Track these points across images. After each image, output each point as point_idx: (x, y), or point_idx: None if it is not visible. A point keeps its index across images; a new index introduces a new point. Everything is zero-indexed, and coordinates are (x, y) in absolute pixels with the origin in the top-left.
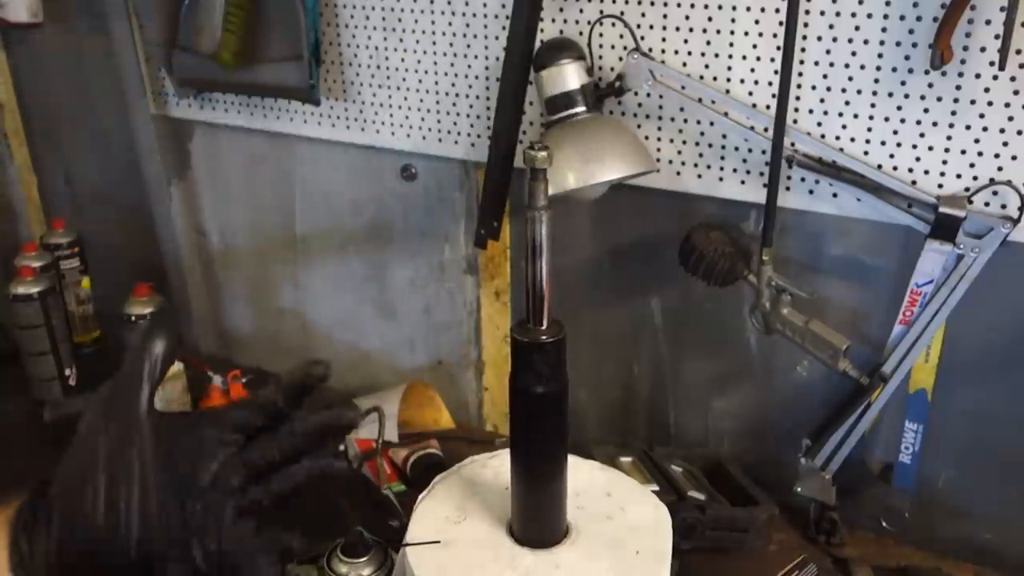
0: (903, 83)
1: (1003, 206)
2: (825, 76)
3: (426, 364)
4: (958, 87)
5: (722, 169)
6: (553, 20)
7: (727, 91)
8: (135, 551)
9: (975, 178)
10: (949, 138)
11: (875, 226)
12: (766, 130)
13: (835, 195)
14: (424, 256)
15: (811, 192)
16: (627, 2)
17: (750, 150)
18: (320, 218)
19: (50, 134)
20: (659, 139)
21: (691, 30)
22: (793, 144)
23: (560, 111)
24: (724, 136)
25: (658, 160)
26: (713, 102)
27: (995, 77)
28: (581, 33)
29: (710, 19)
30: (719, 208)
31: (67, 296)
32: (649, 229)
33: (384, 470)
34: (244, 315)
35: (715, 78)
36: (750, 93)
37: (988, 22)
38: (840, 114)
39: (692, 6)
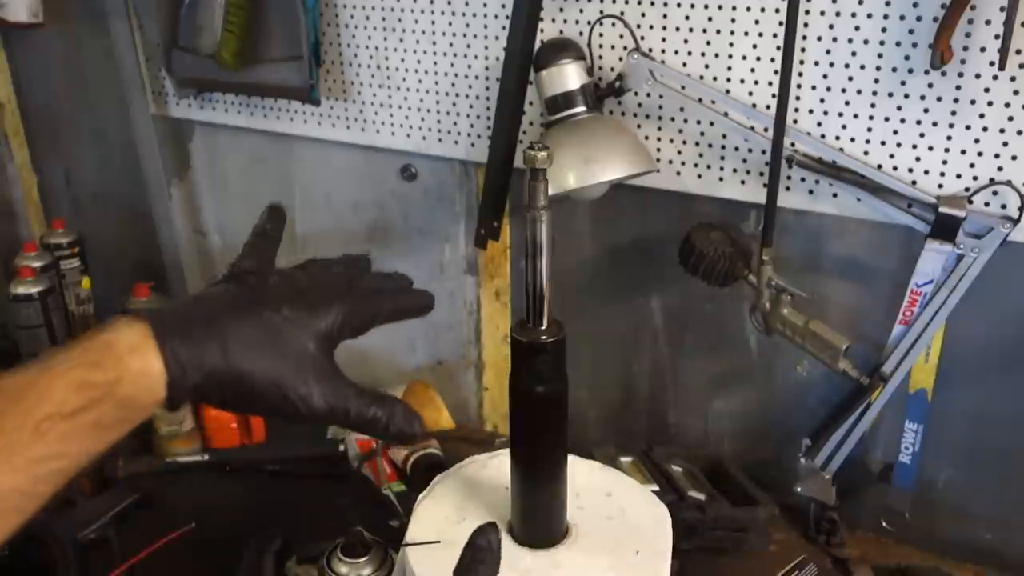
0: (903, 83)
1: (1003, 206)
2: (825, 76)
3: (426, 364)
4: (958, 87)
5: (722, 169)
6: (553, 20)
7: (727, 91)
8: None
9: (975, 178)
10: (949, 138)
11: (875, 226)
12: (766, 130)
13: (835, 195)
14: (424, 256)
15: (811, 192)
16: (627, 2)
17: (750, 150)
18: (320, 218)
19: (50, 134)
20: (659, 139)
21: (691, 30)
22: (793, 144)
23: (560, 111)
24: (724, 136)
25: (658, 160)
26: (713, 102)
27: (995, 77)
28: (581, 33)
29: (710, 19)
30: (719, 208)
31: (67, 296)
32: (649, 229)
33: (384, 470)
34: None
35: (715, 78)
36: (750, 93)
37: (988, 22)
38: (840, 114)
39: (692, 6)
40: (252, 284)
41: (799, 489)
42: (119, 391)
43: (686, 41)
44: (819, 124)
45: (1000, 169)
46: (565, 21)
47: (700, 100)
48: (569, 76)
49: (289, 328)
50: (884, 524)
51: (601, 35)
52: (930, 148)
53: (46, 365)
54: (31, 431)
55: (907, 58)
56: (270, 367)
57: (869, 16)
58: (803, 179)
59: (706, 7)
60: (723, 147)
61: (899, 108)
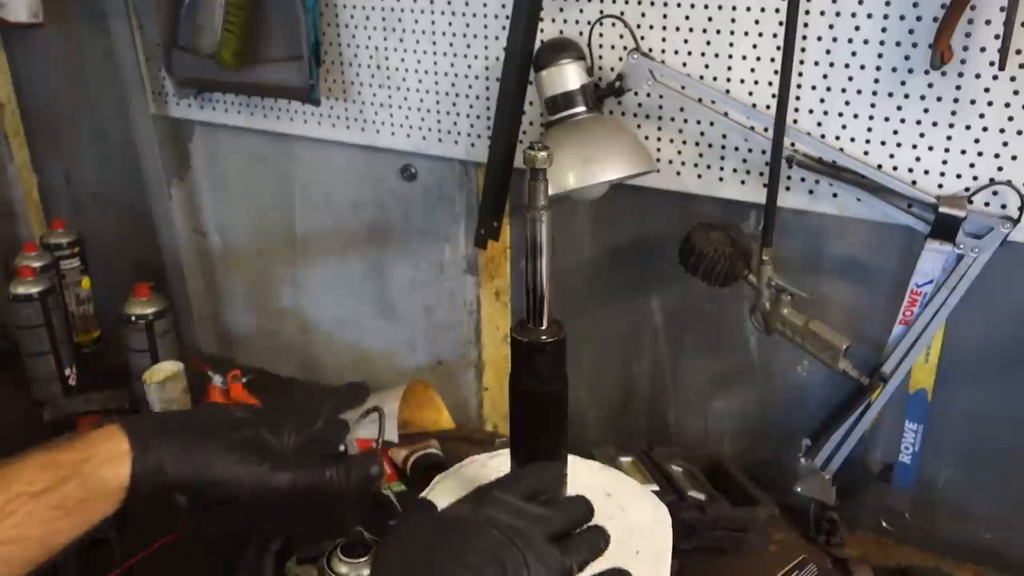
0: (903, 83)
1: (1003, 206)
2: (825, 76)
3: (426, 364)
4: (958, 87)
5: (722, 169)
6: (553, 20)
7: (727, 91)
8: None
9: (975, 178)
10: (949, 138)
11: (875, 226)
12: (766, 130)
13: (835, 195)
14: (424, 256)
15: (811, 192)
16: (627, 2)
17: (750, 150)
18: (320, 218)
19: (50, 134)
20: (659, 139)
21: (691, 30)
22: (793, 144)
23: (560, 111)
24: (724, 136)
25: (658, 160)
26: (713, 102)
27: (995, 77)
28: (581, 33)
29: (710, 19)
30: (719, 208)
31: (67, 296)
32: (649, 229)
33: (384, 470)
34: (244, 315)
35: (715, 78)
36: (750, 93)
37: (988, 22)
38: (840, 114)
39: (692, 6)
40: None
41: (799, 489)
42: (85, 469)
43: (686, 41)
44: (819, 124)
45: (1000, 169)
46: (565, 21)
47: (700, 100)
48: (569, 76)
49: (243, 418)
50: (884, 524)
51: (601, 35)
52: (930, 148)
53: (25, 454)
54: None
55: (907, 58)
56: (229, 446)
57: (869, 16)
58: (803, 179)
59: (706, 7)
60: (723, 147)
61: (899, 108)
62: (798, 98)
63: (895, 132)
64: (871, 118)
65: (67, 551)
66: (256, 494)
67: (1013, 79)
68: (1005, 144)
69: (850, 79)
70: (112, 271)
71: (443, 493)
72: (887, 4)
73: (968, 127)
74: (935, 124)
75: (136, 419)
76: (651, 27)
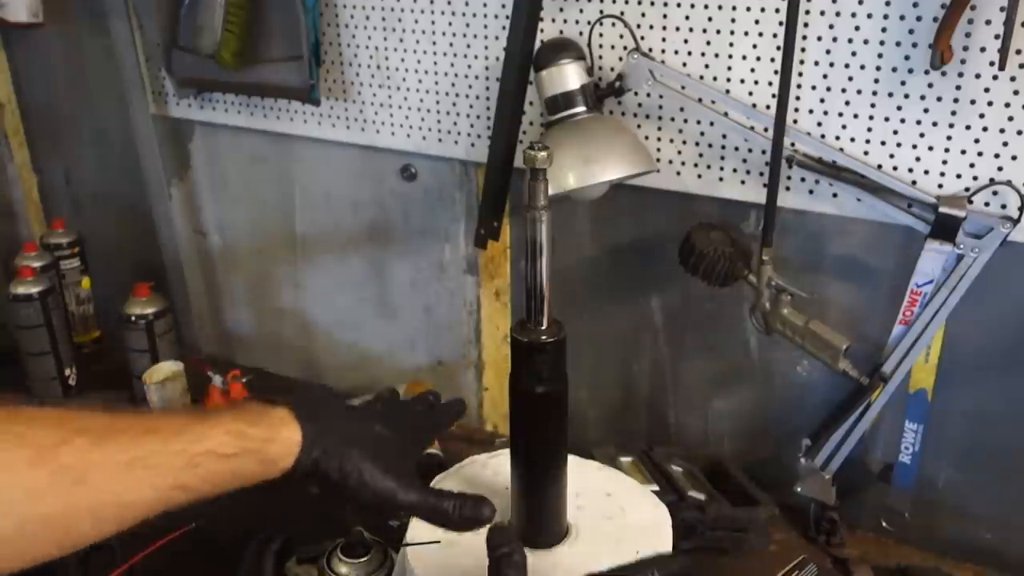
0: (903, 83)
1: (1003, 206)
2: (825, 76)
3: (426, 364)
4: (958, 87)
5: (722, 169)
6: (553, 20)
7: (727, 91)
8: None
9: (975, 178)
10: (949, 138)
11: (875, 226)
12: (766, 130)
13: (835, 195)
14: (424, 256)
15: (811, 192)
16: (627, 2)
17: (750, 150)
18: (320, 218)
19: (50, 134)
20: (659, 139)
21: (691, 30)
22: (793, 144)
23: (560, 111)
24: (724, 136)
25: (658, 160)
26: (713, 102)
27: (995, 77)
28: (581, 33)
29: (710, 19)
30: (719, 208)
31: (67, 296)
32: (649, 229)
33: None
34: (244, 315)
35: (715, 78)
36: (750, 93)
37: (988, 22)
38: (840, 114)
39: (692, 6)
40: (364, 406)
41: (799, 489)
42: (268, 448)
43: (686, 41)
44: (819, 124)
45: (1000, 169)
46: (565, 21)
47: (700, 100)
48: (569, 76)
49: (390, 440)
50: (884, 524)
51: (601, 35)
52: (930, 148)
53: (202, 415)
54: (187, 461)
55: (907, 58)
56: (374, 461)
57: (869, 16)
58: (803, 179)
59: (706, 7)
60: (723, 147)
61: (899, 108)
62: (798, 98)
63: (895, 132)
64: (871, 118)
65: None
66: (383, 506)
67: (1013, 79)
68: (1005, 144)
69: (850, 79)
70: (112, 271)
71: None
72: (887, 4)
73: (968, 127)
74: (935, 124)
75: (306, 410)
76: (651, 27)
